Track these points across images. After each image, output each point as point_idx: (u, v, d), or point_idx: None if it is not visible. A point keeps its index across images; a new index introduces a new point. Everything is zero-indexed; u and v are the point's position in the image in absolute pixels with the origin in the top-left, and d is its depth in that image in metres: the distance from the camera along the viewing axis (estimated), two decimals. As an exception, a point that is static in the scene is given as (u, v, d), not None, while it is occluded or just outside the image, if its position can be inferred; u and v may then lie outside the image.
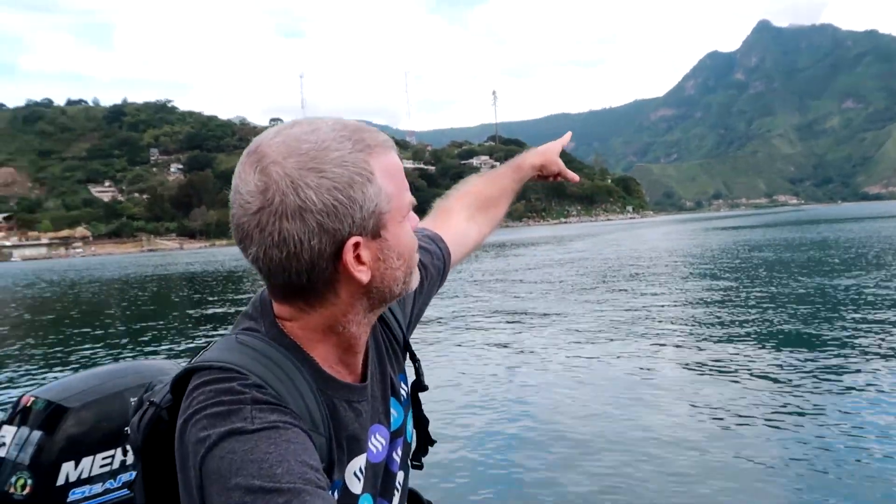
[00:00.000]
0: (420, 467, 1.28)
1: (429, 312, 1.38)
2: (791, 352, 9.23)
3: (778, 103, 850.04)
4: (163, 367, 1.71)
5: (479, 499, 5.09)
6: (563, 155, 1.77)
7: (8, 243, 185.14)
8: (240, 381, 0.93)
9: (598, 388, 7.94)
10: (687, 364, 8.86)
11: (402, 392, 1.23)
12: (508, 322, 13.65)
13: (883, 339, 9.51)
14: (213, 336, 14.23)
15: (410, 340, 1.30)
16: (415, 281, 1.10)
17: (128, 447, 1.61)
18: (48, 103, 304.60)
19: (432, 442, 1.29)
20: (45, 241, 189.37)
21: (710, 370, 8.46)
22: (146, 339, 14.98)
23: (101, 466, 1.58)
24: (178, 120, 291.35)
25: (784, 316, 12.17)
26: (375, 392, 1.14)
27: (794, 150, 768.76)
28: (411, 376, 1.27)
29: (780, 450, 5.62)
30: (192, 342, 13.83)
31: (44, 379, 10.66)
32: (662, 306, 14.29)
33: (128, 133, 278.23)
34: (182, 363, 1.10)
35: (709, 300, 14.89)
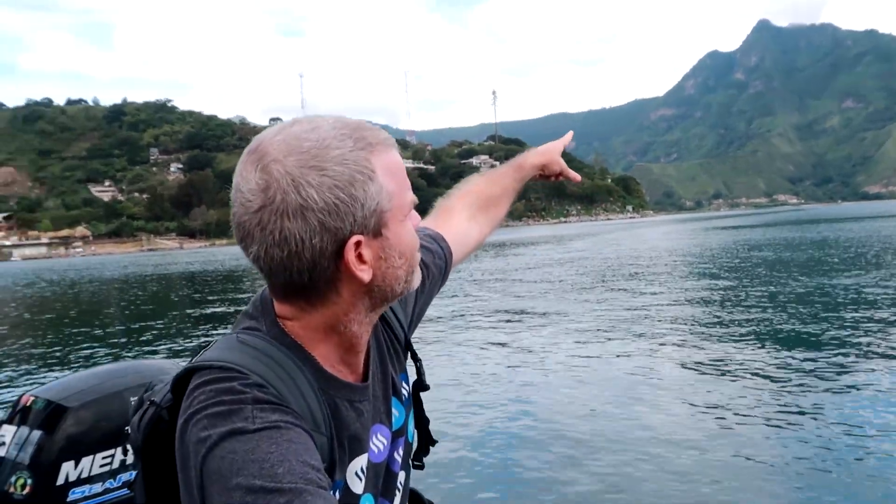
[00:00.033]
0: (421, 467, 1.28)
1: (428, 312, 1.44)
2: (791, 351, 9.23)
3: (778, 103, 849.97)
4: (163, 366, 1.71)
5: (480, 498, 5.10)
6: (563, 154, 1.78)
7: (8, 243, 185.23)
8: (241, 380, 0.92)
9: (598, 387, 7.93)
10: (687, 363, 8.86)
11: (404, 392, 1.22)
12: (508, 321, 13.64)
13: (882, 339, 9.51)
14: (212, 335, 14.22)
15: (411, 340, 1.30)
16: (416, 280, 1.10)
17: (128, 447, 1.60)
18: (48, 103, 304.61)
19: (433, 442, 1.29)
20: (44, 240, 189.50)
21: (710, 369, 8.45)
22: (146, 338, 14.97)
23: (101, 466, 1.58)
24: (177, 119, 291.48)
25: (784, 315, 12.17)
26: (377, 392, 1.14)
27: (794, 149, 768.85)
28: (412, 376, 1.27)
29: (779, 448, 5.62)
30: (191, 342, 13.83)
31: (43, 378, 10.66)
32: (662, 306, 14.29)
33: (128, 133, 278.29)
34: (182, 363, 1.10)
35: (708, 300, 14.88)
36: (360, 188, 0.94)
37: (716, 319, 12.18)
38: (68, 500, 1.54)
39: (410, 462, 1.26)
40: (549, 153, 1.72)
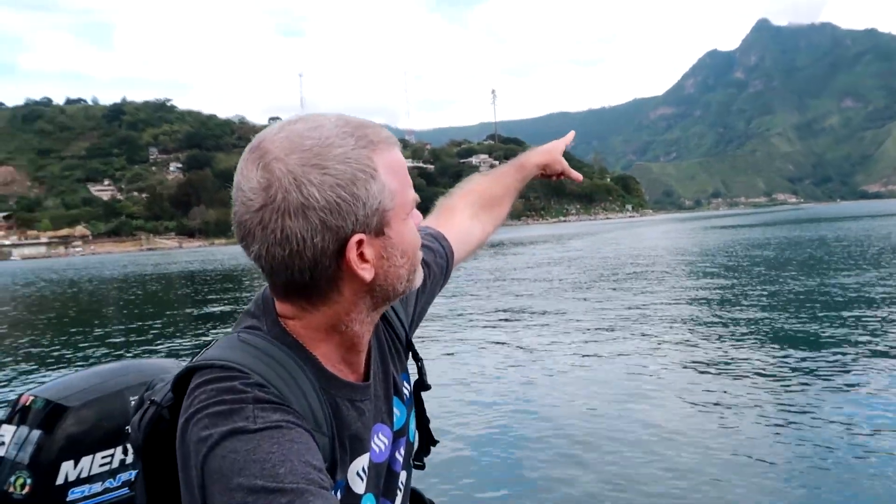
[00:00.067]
0: (422, 467, 1.28)
1: (428, 311, 1.42)
2: (790, 349, 9.23)
3: (777, 102, 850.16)
4: (163, 365, 1.70)
5: (481, 498, 5.10)
6: (563, 154, 1.79)
7: (7, 242, 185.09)
8: (242, 379, 0.92)
9: (598, 385, 7.94)
10: (686, 362, 8.87)
11: (405, 391, 1.22)
12: (508, 321, 13.65)
13: (881, 337, 9.53)
14: (212, 335, 14.24)
15: (413, 339, 1.29)
16: (418, 279, 1.09)
17: (127, 446, 1.60)
18: (47, 102, 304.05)
19: (434, 442, 1.28)
20: (44, 239, 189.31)
21: (710, 368, 8.46)
22: (145, 337, 14.97)
23: (101, 465, 1.57)
24: (177, 119, 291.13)
25: (783, 314, 12.18)
26: (378, 391, 1.14)
27: (794, 148, 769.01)
28: (413, 375, 1.26)
29: (779, 447, 5.63)
30: (190, 341, 13.83)
31: (43, 378, 10.66)
32: (662, 305, 14.29)
33: (127, 132, 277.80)
34: (182, 362, 1.10)
35: (708, 299, 14.89)
36: (362, 187, 0.94)
37: (715, 318, 12.19)
38: (68, 499, 1.53)
39: (411, 462, 1.26)
40: (551, 153, 1.71)
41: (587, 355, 9.67)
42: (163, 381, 1.12)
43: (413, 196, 1.04)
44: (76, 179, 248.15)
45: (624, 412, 6.84)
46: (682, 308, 13.83)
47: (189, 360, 1.02)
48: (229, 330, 1.05)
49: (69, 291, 35.16)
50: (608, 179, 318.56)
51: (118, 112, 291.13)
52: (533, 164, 1.70)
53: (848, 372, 7.87)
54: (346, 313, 1.02)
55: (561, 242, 54.79)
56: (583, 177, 1.80)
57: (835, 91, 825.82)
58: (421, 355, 1.28)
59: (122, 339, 15.06)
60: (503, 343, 11.11)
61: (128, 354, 12.90)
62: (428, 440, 1.28)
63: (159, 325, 17.14)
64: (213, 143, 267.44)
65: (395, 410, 1.18)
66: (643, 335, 10.90)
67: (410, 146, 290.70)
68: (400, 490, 1.19)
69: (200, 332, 15.42)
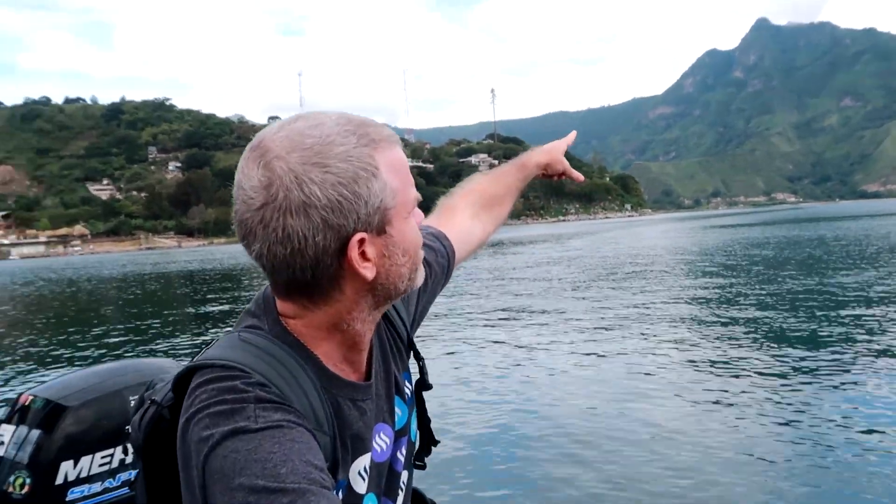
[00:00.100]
0: (423, 467, 1.27)
1: (428, 310, 1.39)
2: (789, 348, 9.24)
3: (776, 101, 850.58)
4: (162, 365, 1.69)
5: (481, 497, 5.10)
6: (563, 153, 1.78)
7: (6, 241, 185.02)
8: (243, 379, 0.91)
9: (598, 384, 7.94)
10: (686, 361, 8.87)
11: (407, 391, 1.21)
12: (507, 320, 13.65)
13: (880, 336, 9.53)
14: (211, 334, 14.24)
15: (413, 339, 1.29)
16: (420, 278, 1.09)
17: (127, 446, 1.60)
18: (46, 101, 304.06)
19: (435, 442, 1.28)
20: (43, 239, 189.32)
21: (709, 367, 8.46)
22: (144, 337, 14.97)
23: (100, 465, 1.57)
24: (176, 118, 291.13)
25: (782, 313, 12.19)
26: (380, 390, 1.13)
27: (793, 148, 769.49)
28: (415, 374, 1.26)
29: (778, 444, 5.63)
30: (190, 340, 13.82)
31: (42, 377, 10.66)
32: (661, 304, 14.30)
33: (126, 131, 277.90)
34: (181, 362, 1.10)
35: (707, 298, 14.90)
36: (364, 185, 0.94)
37: (714, 318, 12.19)
38: (67, 499, 1.53)
39: (412, 462, 1.25)
40: (552, 152, 1.71)
41: (586, 354, 9.68)
42: (163, 381, 1.12)
43: (415, 194, 1.04)
44: (75, 179, 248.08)
45: (624, 411, 6.84)
46: (682, 307, 13.83)
47: (189, 359, 1.02)
48: (229, 329, 1.04)
49: (68, 291, 35.15)
50: (607, 179, 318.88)
51: (117, 111, 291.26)
52: (534, 164, 1.70)
53: (847, 371, 7.87)
54: (348, 312, 1.01)
55: (560, 242, 54.79)
56: (584, 177, 1.79)
57: (834, 90, 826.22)
58: (422, 354, 1.28)
59: (121, 338, 15.06)
60: (503, 342, 11.11)
61: (127, 354, 12.90)
62: (429, 440, 1.27)
63: (158, 325, 17.14)
64: (212, 142, 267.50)
65: (397, 410, 1.17)
66: (643, 334, 10.90)
67: (410, 145, 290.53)
68: (401, 490, 1.19)
69: (199, 331, 15.43)
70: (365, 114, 0.98)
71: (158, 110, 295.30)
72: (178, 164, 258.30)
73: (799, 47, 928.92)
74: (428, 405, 1.27)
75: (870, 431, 5.83)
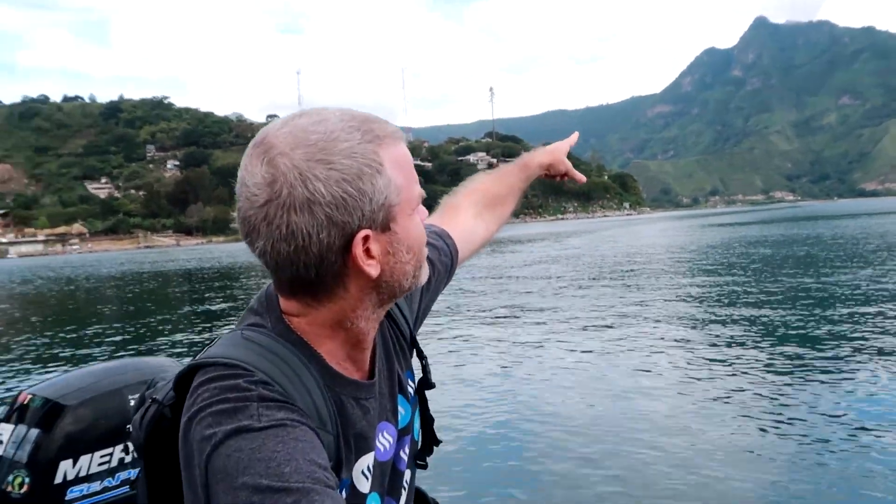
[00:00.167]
0: (425, 467, 1.26)
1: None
2: (787, 346, 9.26)
3: (775, 100, 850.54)
4: (162, 364, 1.68)
5: (482, 497, 5.10)
6: None
7: (4, 240, 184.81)
8: (246, 377, 0.91)
9: (598, 383, 7.95)
10: (685, 359, 8.87)
11: (410, 389, 1.21)
12: (506, 318, 13.66)
13: (878, 334, 9.54)
14: (210, 333, 14.24)
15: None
16: (424, 275, 1.08)
17: (126, 445, 1.60)
18: (44, 100, 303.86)
19: (437, 441, 1.27)
20: (41, 237, 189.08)
21: (709, 365, 8.47)
22: (143, 335, 14.97)
23: (100, 464, 1.56)
24: (174, 116, 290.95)
25: (780, 311, 12.20)
26: (383, 389, 1.13)
27: (791, 146, 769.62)
28: (417, 373, 1.25)
29: (777, 440, 5.64)
30: (189, 338, 13.82)
31: (41, 376, 10.66)
32: (660, 302, 14.31)
33: (124, 129, 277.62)
34: (182, 360, 1.11)
35: (705, 296, 14.92)
36: (369, 182, 0.93)
37: (713, 315, 12.21)
38: (66, 498, 1.52)
39: (415, 461, 1.24)
40: (555, 153, 1.71)
41: (585, 352, 9.69)
42: (163, 380, 1.11)
43: (419, 191, 1.03)
44: (73, 177, 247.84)
45: (623, 408, 6.85)
46: (680, 306, 13.85)
47: (188, 358, 1.01)
48: (228, 327, 1.04)
49: (66, 289, 35.14)
50: (606, 177, 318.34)
51: (115, 109, 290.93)
52: (537, 164, 1.70)
53: (845, 368, 7.89)
54: (352, 310, 1.01)
55: (559, 240, 54.77)
56: (585, 178, 1.80)
57: (832, 89, 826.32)
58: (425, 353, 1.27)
59: (120, 337, 15.05)
60: (501, 340, 11.12)
61: (125, 353, 12.91)
62: (431, 440, 1.26)
63: (157, 324, 17.13)
64: (210, 140, 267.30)
65: (400, 409, 1.17)
66: (642, 332, 10.91)
67: (408, 144, 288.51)
68: (404, 489, 1.18)
69: (198, 330, 15.42)
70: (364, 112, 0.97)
71: (157, 108, 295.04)
72: (177, 163, 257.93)
73: (797, 46, 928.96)
74: (429, 404, 1.27)
75: (869, 429, 5.84)
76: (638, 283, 18.41)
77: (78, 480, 1.53)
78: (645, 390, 7.54)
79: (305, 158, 0.90)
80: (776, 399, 6.92)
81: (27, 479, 1.48)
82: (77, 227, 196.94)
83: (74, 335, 15.69)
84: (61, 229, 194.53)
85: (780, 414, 6.42)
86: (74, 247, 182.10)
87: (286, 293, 1.01)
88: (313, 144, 0.91)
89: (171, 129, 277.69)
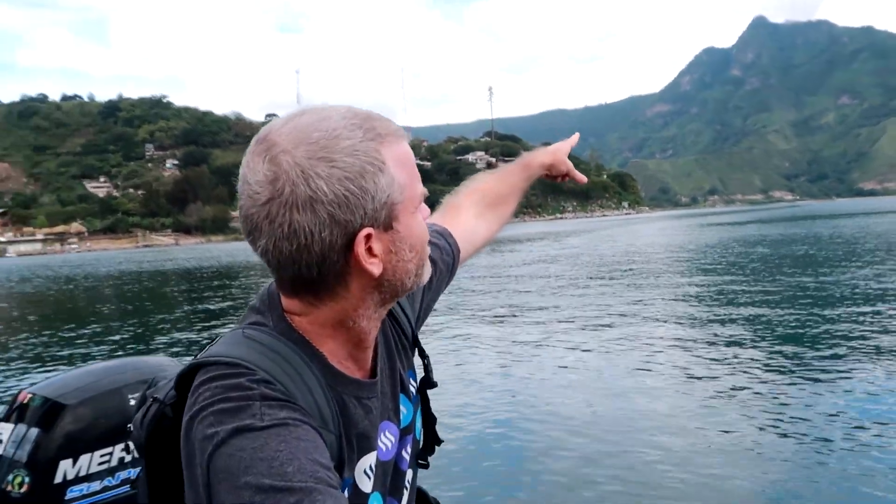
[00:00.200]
0: (426, 466, 1.26)
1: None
2: (786, 345, 9.29)
3: (774, 99, 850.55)
4: (161, 363, 1.68)
5: (483, 496, 5.12)
6: None
7: (3, 239, 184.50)
8: (248, 376, 0.90)
9: (597, 381, 7.98)
10: (685, 358, 8.90)
11: (412, 389, 1.21)
12: (505, 317, 13.68)
13: (876, 333, 9.56)
14: (209, 332, 14.24)
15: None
16: (427, 274, 1.07)
17: (127, 444, 1.60)
18: (43, 98, 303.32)
19: (439, 441, 1.27)
20: (39, 236, 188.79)
21: (709, 364, 8.49)
22: (143, 334, 14.99)
23: (100, 464, 1.55)
24: (173, 115, 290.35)
25: (779, 310, 12.22)
26: (385, 388, 1.12)
27: (790, 145, 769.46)
28: (419, 372, 1.25)
29: (775, 439, 5.66)
30: (188, 337, 13.83)
31: (40, 375, 10.66)
32: (660, 301, 14.33)
33: (123, 128, 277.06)
34: (181, 359, 1.10)
35: (704, 295, 14.94)
36: (371, 180, 0.92)
37: (711, 314, 12.23)
38: (66, 498, 1.52)
39: (417, 460, 1.24)
40: (556, 153, 1.71)
41: (585, 351, 9.71)
42: (163, 379, 1.11)
43: (421, 189, 1.03)
44: (72, 176, 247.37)
45: (623, 407, 6.88)
46: (679, 305, 13.86)
47: (188, 357, 1.01)
48: (227, 327, 1.04)
49: (65, 288, 35.12)
50: (605, 176, 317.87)
51: (114, 108, 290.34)
52: (538, 164, 1.70)
53: (844, 367, 7.91)
54: (354, 309, 1.00)
55: (558, 239, 54.81)
56: (586, 178, 1.80)
57: (831, 88, 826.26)
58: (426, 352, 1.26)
59: (119, 336, 15.06)
60: (501, 340, 11.14)
61: (125, 352, 12.91)
62: (433, 439, 1.26)
63: (156, 323, 17.15)
64: (209, 139, 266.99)
65: (402, 408, 1.16)
66: (641, 332, 10.92)
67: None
68: (406, 488, 1.18)
69: (197, 329, 15.43)
70: (362, 111, 0.96)
71: (156, 107, 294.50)
72: (176, 162, 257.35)
73: (796, 45, 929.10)
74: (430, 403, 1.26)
75: (867, 427, 5.86)
76: (637, 283, 18.43)
77: (78, 480, 1.52)
78: (645, 389, 7.56)
79: (308, 156, 0.90)
80: (775, 398, 6.94)
81: (27, 479, 1.48)
82: (76, 226, 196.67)
83: (73, 334, 15.69)
84: (60, 228, 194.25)
85: (780, 413, 6.44)
86: (73, 246, 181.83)
87: (288, 292, 1.00)
88: (315, 142, 0.91)
89: (169, 128, 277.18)
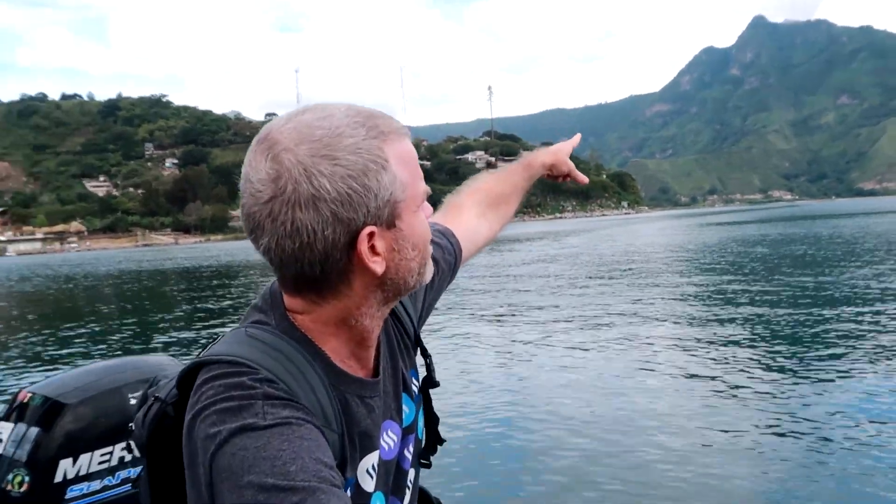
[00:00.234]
0: (428, 466, 1.26)
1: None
2: (785, 345, 9.29)
3: (773, 99, 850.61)
4: (161, 362, 1.68)
5: (483, 495, 5.12)
6: None
7: (3, 238, 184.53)
8: (250, 375, 0.90)
9: (597, 381, 7.97)
10: (686, 357, 8.91)
11: (414, 388, 1.20)
12: (505, 316, 13.68)
13: (875, 333, 9.57)
14: (208, 331, 14.24)
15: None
16: (429, 273, 1.07)
17: (126, 443, 1.60)
18: (43, 97, 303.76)
19: (442, 441, 1.27)
20: (39, 235, 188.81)
21: (709, 363, 8.50)
22: (142, 334, 14.98)
23: (100, 463, 1.55)
24: (173, 114, 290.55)
25: (778, 310, 12.22)
26: (387, 387, 1.12)
27: (789, 145, 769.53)
28: (421, 371, 1.24)
29: (774, 438, 5.67)
30: (187, 337, 13.82)
31: (40, 374, 10.66)
32: (659, 300, 14.33)
33: (123, 127, 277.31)
34: (181, 358, 1.10)
35: (704, 295, 14.94)
36: (374, 178, 0.92)
37: (710, 314, 12.23)
38: (66, 497, 1.51)
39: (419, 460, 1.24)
40: (558, 153, 1.71)
41: (585, 350, 9.71)
42: (164, 378, 1.11)
43: (424, 187, 1.02)
44: (71, 175, 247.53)
45: (624, 407, 6.88)
46: (679, 304, 13.87)
47: (190, 357, 1.00)
48: (226, 326, 1.14)
49: (65, 287, 35.12)
50: (604, 176, 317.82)
51: (114, 107, 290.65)
52: (540, 164, 1.69)
53: (842, 367, 7.91)
54: (357, 307, 1.00)
55: (557, 239, 54.82)
56: (587, 178, 1.81)
57: (830, 88, 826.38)
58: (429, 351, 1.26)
59: (119, 335, 15.07)
60: (500, 339, 11.14)
61: (124, 352, 12.91)
62: (435, 438, 1.26)
63: (155, 322, 17.15)
64: (209, 138, 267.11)
65: (404, 407, 1.16)
66: (641, 331, 10.93)
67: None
68: (408, 488, 1.17)
69: (196, 328, 15.42)
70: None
71: (155, 107, 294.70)
72: (175, 161, 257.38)
73: (796, 45, 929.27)
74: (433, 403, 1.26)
75: (867, 426, 5.86)
76: (637, 282, 18.44)
77: (78, 479, 1.52)
78: (644, 389, 7.56)
79: (310, 154, 0.90)
80: (775, 397, 6.94)
81: (27, 478, 1.48)
82: (75, 225, 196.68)
83: (73, 333, 15.69)
84: (59, 227, 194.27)
85: (780, 412, 6.44)
86: (73, 245, 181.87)
87: (290, 290, 1.00)
88: (318, 140, 0.91)
89: (169, 127, 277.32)
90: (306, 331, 1.00)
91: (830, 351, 8.82)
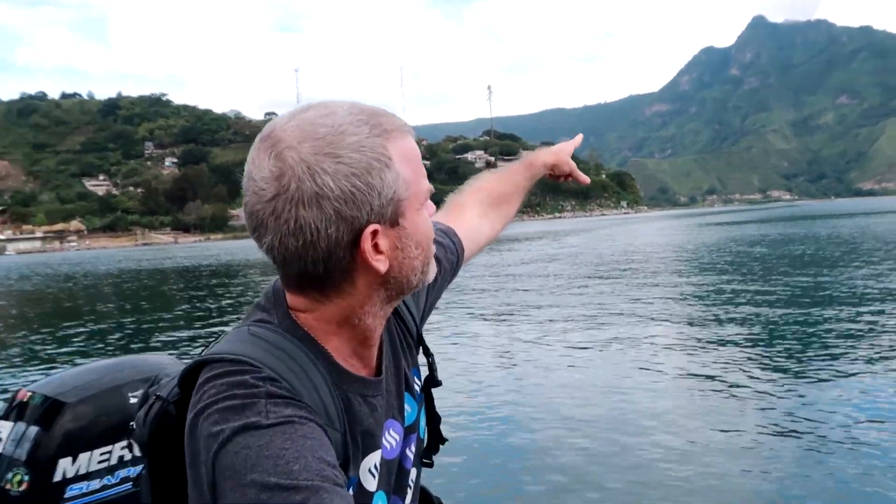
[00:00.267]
0: (430, 465, 1.26)
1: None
2: (784, 345, 9.30)
3: (773, 99, 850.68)
4: (161, 361, 1.68)
5: (484, 495, 5.13)
6: None
7: (2, 237, 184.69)
8: (253, 373, 0.90)
9: (597, 380, 7.97)
10: (686, 356, 8.91)
11: (416, 387, 1.20)
12: (505, 316, 13.68)
13: (874, 332, 9.58)
14: (208, 330, 14.24)
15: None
16: (432, 271, 1.07)
17: (125, 442, 1.59)
18: (42, 96, 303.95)
19: (444, 440, 1.26)
20: (39, 234, 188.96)
21: (709, 362, 8.50)
22: (142, 333, 14.98)
23: (99, 462, 1.55)
24: (172, 114, 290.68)
25: (777, 309, 12.22)
26: (390, 386, 1.11)
27: (789, 145, 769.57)
28: (423, 370, 1.24)
29: (773, 437, 5.67)
30: (187, 336, 13.82)
31: (39, 373, 10.66)
32: (659, 300, 14.32)
33: (122, 126, 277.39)
34: (181, 358, 1.09)
35: (703, 294, 14.95)
36: (377, 176, 0.92)
37: (710, 314, 12.24)
38: (66, 496, 1.51)
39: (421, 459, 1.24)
40: (559, 153, 1.71)
41: (585, 349, 9.71)
42: (164, 377, 1.11)
43: (427, 186, 1.02)
44: (71, 174, 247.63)
45: (624, 406, 6.87)
46: (678, 304, 13.88)
47: (188, 356, 1.03)
48: (226, 325, 1.12)
49: (64, 286, 35.11)
50: (603, 176, 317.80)
51: (114, 107, 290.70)
52: (541, 164, 1.69)
53: (842, 367, 7.90)
54: (360, 306, 1.00)
55: (557, 239, 54.83)
56: (589, 179, 1.81)
57: (830, 88, 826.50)
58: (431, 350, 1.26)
59: (118, 334, 15.06)
60: (500, 338, 11.15)
61: (123, 351, 12.91)
62: (437, 438, 1.26)
63: (155, 321, 17.14)
64: (208, 138, 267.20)
65: (407, 406, 1.16)
66: (641, 331, 10.93)
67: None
68: (410, 487, 1.17)
69: (196, 327, 15.42)
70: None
71: (155, 106, 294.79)
72: (175, 160, 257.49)
73: (795, 45, 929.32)
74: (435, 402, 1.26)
75: (867, 426, 5.86)
76: (636, 282, 18.44)
77: (77, 478, 1.52)
78: (644, 388, 7.56)
79: (313, 152, 0.89)
80: (775, 397, 6.94)
81: (26, 477, 1.48)
82: (75, 224, 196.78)
83: (72, 332, 15.68)
84: (59, 226, 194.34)
85: (779, 412, 6.44)
86: (72, 244, 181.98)
87: (293, 288, 0.99)
88: (321, 138, 0.90)
89: (169, 126, 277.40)
90: (309, 329, 1.00)
91: (829, 351, 8.82)
